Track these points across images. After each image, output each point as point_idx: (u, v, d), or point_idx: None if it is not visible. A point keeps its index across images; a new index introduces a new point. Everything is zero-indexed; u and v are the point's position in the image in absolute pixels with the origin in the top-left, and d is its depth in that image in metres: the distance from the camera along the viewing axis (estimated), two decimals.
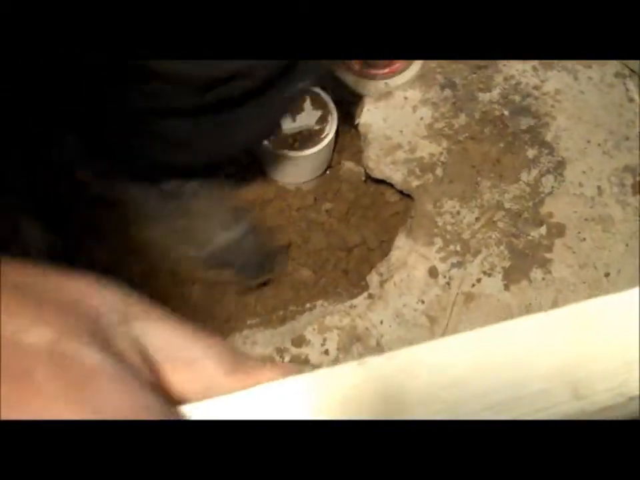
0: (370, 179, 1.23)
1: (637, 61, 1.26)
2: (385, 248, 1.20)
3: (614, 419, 0.35)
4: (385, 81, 1.22)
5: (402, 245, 1.14)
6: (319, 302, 1.15)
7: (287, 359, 1.04)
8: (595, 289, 1.12)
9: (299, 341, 1.04)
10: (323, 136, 1.20)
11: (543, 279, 1.12)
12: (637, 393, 0.31)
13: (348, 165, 1.30)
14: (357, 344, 1.05)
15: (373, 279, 1.14)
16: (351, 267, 1.19)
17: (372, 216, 1.25)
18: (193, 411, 0.31)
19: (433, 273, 1.12)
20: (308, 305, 1.15)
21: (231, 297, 1.13)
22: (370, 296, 1.12)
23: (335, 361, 1.04)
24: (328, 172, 1.31)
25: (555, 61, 1.28)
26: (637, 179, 1.21)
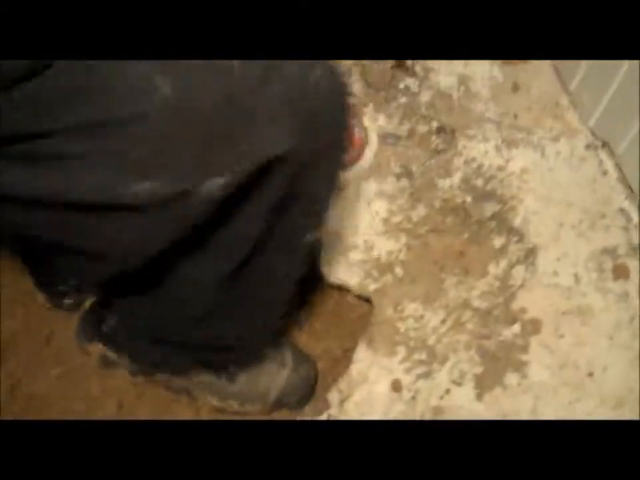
0: None
1: (608, 131, 1.16)
2: (349, 357, 1.11)
3: None
4: None
5: (362, 357, 1.04)
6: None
7: None
8: (578, 391, 1.01)
9: None
10: None
11: (519, 384, 1.01)
12: None
13: None
14: None
15: (334, 397, 1.04)
16: None
17: (335, 322, 1.17)
18: None
19: (396, 386, 1.02)
20: None
21: None
22: (329, 417, 1.02)
23: None
24: None
25: (519, 138, 1.19)
26: (617, 261, 1.10)
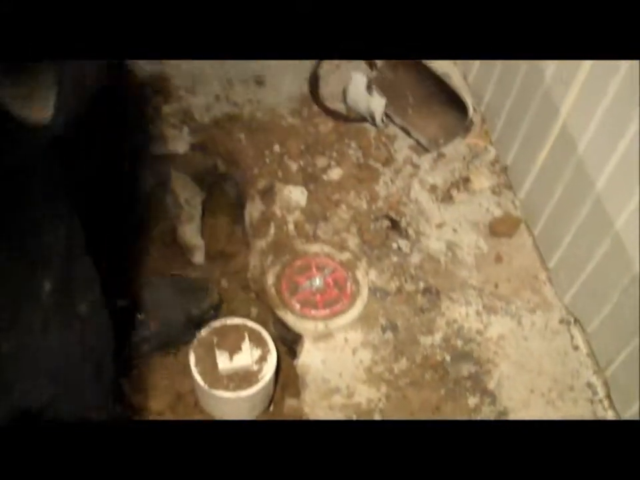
0: None
1: (581, 309, 1.25)
2: None
3: None
4: (325, 321, 1.22)
5: None
6: None
7: None
8: None
9: None
10: (260, 376, 1.18)
11: None
12: None
13: (290, 402, 1.26)
14: None
15: None
16: None
17: None
18: None
19: None
20: None
21: None
22: None
23: None
24: (271, 409, 1.28)
25: (499, 306, 1.28)
26: None
